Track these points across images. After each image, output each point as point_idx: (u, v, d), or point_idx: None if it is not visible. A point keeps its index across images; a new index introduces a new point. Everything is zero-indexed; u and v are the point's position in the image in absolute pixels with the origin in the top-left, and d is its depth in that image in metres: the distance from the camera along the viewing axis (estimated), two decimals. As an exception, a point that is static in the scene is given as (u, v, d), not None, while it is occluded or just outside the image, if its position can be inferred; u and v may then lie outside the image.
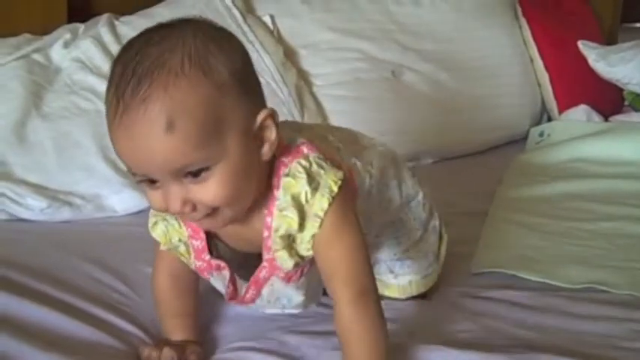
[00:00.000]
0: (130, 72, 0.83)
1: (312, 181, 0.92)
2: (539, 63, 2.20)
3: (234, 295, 1.04)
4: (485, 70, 2.10)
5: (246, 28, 1.85)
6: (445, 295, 1.23)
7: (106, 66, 1.64)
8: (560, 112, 2.17)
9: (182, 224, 1.01)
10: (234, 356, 1.04)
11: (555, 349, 1.03)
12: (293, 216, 0.92)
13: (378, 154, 1.12)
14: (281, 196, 0.93)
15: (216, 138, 0.85)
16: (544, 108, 2.23)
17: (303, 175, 0.92)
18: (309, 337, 1.07)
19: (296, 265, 0.97)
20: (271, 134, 0.90)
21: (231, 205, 0.90)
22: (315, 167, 0.94)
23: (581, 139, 1.94)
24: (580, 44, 2.22)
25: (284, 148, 0.95)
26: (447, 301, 1.21)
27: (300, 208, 0.92)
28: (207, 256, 1.01)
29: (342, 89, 1.92)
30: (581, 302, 1.18)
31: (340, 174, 0.94)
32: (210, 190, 0.87)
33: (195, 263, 1.02)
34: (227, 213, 0.91)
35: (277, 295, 1.04)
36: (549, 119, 2.23)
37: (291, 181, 0.93)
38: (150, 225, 1.04)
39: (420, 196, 1.18)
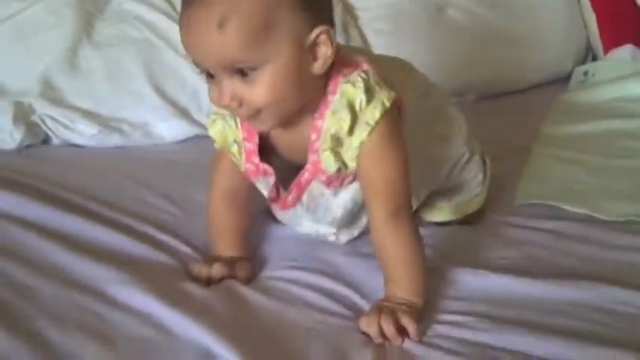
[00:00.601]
0: None
1: (368, 92, 0.97)
2: (586, 1, 2.17)
3: (277, 198, 1.08)
4: (531, 7, 2.07)
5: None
6: (488, 223, 1.26)
7: (154, -5, 1.67)
8: (606, 51, 2.14)
9: (239, 125, 1.05)
10: (283, 274, 1.07)
11: (598, 277, 1.05)
12: (346, 118, 0.97)
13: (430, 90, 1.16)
14: (337, 100, 0.98)
15: (267, 41, 0.90)
16: (589, 47, 2.20)
17: (361, 84, 0.97)
18: (358, 259, 1.10)
19: (338, 170, 1.01)
20: (327, 51, 0.94)
21: (274, 107, 0.94)
22: (372, 81, 0.98)
23: (625, 79, 1.92)
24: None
25: (345, 61, 0.99)
26: (489, 228, 1.23)
27: (353, 112, 0.97)
28: (257, 159, 1.05)
29: (386, 23, 1.90)
30: (624, 234, 1.19)
31: (393, 94, 0.99)
32: (255, 90, 0.92)
33: (245, 165, 1.06)
34: (270, 115, 0.96)
35: (316, 202, 1.07)
36: (594, 59, 2.20)
37: (350, 87, 0.97)
38: (209, 123, 1.09)
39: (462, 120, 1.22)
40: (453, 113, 1.22)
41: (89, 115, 1.54)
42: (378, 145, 0.98)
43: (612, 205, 1.28)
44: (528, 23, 2.06)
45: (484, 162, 1.26)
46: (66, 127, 1.52)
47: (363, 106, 0.97)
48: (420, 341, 0.92)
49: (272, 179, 1.06)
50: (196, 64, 0.95)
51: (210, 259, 1.08)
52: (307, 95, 0.97)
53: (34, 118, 1.52)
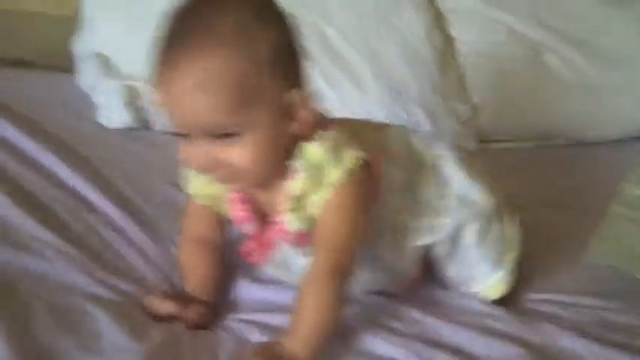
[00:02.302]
0: (181, 29, 0.90)
1: (335, 152, 0.97)
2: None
3: (251, 252, 1.08)
4: (629, 59, 2.07)
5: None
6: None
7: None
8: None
9: None
10: (249, 317, 1.05)
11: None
12: (308, 177, 0.97)
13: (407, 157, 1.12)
14: (302, 160, 0.98)
15: (246, 106, 0.91)
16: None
17: (328, 144, 0.97)
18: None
19: (302, 232, 1.01)
20: (303, 113, 0.95)
21: (254, 170, 0.95)
22: (340, 141, 0.99)
23: None
24: None
25: (317, 123, 0.98)
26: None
27: (316, 173, 0.97)
28: (243, 206, 1.05)
29: (484, 59, 1.94)
30: None
31: (362, 154, 0.99)
32: (236, 153, 0.93)
33: (232, 213, 1.07)
34: (248, 177, 0.96)
35: (286, 260, 1.07)
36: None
37: (315, 148, 0.97)
38: (186, 180, 1.09)
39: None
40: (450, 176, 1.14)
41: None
42: (338, 203, 0.98)
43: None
44: (624, 75, 2.05)
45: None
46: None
47: (326, 166, 0.97)
48: None
49: (252, 227, 1.06)
50: (169, 121, 0.94)
51: (166, 294, 1.05)
52: (283, 157, 0.98)
53: (142, 102, 1.59)
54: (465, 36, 1.97)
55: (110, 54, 1.71)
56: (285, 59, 0.94)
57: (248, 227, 1.07)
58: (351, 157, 0.98)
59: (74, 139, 1.41)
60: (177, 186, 1.25)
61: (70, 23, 1.80)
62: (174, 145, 1.49)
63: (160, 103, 0.93)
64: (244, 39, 0.90)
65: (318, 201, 0.98)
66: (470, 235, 1.13)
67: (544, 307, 1.18)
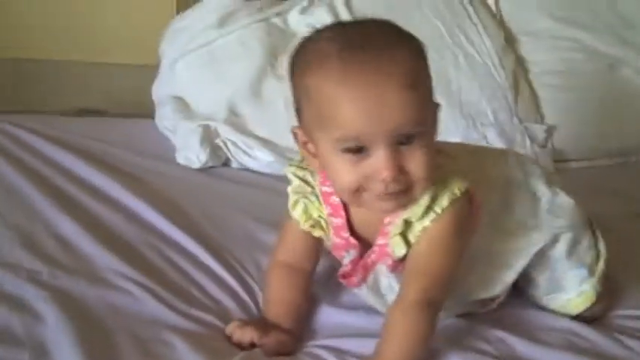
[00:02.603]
0: (362, 32, 0.92)
1: (441, 181, 0.96)
2: None
3: (350, 274, 1.05)
4: None
5: (470, 10, 1.90)
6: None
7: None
8: None
9: (322, 202, 1.04)
10: (328, 343, 1.05)
11: None
12: (422, 203, 0.95)
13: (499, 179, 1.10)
14: None
15: (429, 104, 0.94)
16: None
17: (439, 172, 0.96)
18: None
19: (401, 259, 0.99)
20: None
21: (428, 177, 0.92)
22: (446, 168, 0.98)
23: None
24: None
25: None
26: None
27: (428, 200, 0.96)
28: (347, 234, 1.03)
29: (557, 78, 1.91)
30: None
31: (465, 184, 0.98)
32: (420, 157, 0.90)
33: (333, 239, 1.05)
34: (419, 190, 0.93)
35: (379, 284, 1.05)
36: None
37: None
38: (290, 203, 1.07)
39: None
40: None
41: (267, 143, 1.64)
42: (439, 233, 0.97)
43: None
44: None
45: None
46: (245, 152, 1.64)
47: (436, 194, 0.96)
48: None
49: (356, 252, 1.04)
50: (348, 135, 0.89)
51: (248, 322, 1.06)
52: None
53: (218, 141, 1.64)
54: (537, 56, 1.95)
55: (188, 97, 1.77)
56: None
57: (348, 254, 1.05)
58: (455, 185, 0.97)
59: (152, 178, 1.47)
60: (257, 220, 1.29)
61: (139, 72, 1.89)
62: (252, 181, 1.57)
63: (344, 111, 0.88)
64: (418, 42, 0.95)
65: (421, 226, 0.97)
66: (562, 245, 1.11)
67: (631, 323, 1.14)
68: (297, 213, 1.06)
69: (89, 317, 1.01)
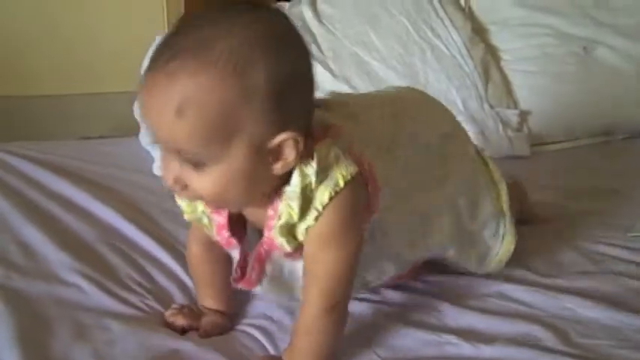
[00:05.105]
0: (171, 45, 0.84)
1: (322, 171, 0.89)
2: None
3: (241, 277, 1.02)
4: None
5: (437, 4, 1.93)
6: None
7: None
8: None
9: None
10: (249, 329, 1.08)
11: None
12: (294, 206, 0.90)
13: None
14: (291, 185, 0.90)
15: (222, 141, 0.84)
16: None
17: (314, 165, 0.89)
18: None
19: (295, 249, 0.95)
20: (289, 155, 0.87)
21: (218, 201, 0.91)
22: (330, 157, 0.90)
23: None
24: None
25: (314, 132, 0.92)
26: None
27: (304, 197, 0.90)
28: (227, 233, 0.99)
29: (530, 64, 1.94)
30: None
31: (352, 169, 0.90)
32: (201, 182, 0.87)
33: (216, 237, 1.01)
34: (214, 203, 0.94)
35: (282, 269, 1.01)
36: None
37: (302, 169, 0.89)
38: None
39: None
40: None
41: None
42: (328, 229, 0.91)
43: None
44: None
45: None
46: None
47: (313, 189, 0.89)
48: None
49: (237, 253, 1.01)
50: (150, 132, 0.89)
51: (183, 307, 1.09)
52: (260, 191, 0.91)
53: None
54: (510, 44, 1.98)
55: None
56: (287, 94, 0.85)
57: (234, 252, 1.02)
58: (339, 175, 0.90)
59: (120, 186, 1.52)
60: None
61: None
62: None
63: (140, 108, 0.87)
64: (238, 66, 0.82)
65: (304, 226, 0.92)
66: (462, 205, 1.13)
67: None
68: (183, 202, 1.01)
69: (32, 309, 1.05)
